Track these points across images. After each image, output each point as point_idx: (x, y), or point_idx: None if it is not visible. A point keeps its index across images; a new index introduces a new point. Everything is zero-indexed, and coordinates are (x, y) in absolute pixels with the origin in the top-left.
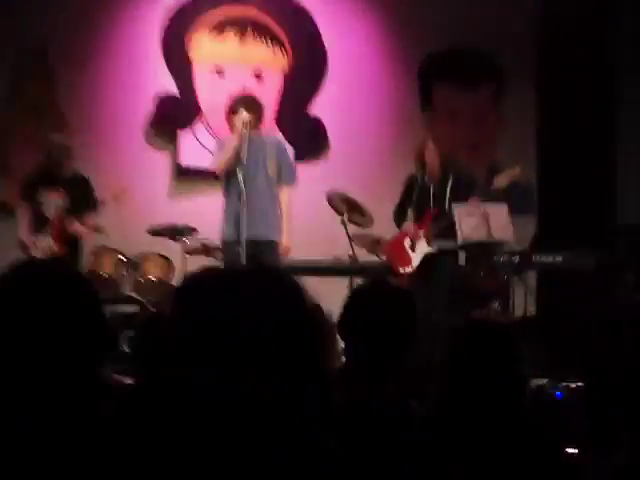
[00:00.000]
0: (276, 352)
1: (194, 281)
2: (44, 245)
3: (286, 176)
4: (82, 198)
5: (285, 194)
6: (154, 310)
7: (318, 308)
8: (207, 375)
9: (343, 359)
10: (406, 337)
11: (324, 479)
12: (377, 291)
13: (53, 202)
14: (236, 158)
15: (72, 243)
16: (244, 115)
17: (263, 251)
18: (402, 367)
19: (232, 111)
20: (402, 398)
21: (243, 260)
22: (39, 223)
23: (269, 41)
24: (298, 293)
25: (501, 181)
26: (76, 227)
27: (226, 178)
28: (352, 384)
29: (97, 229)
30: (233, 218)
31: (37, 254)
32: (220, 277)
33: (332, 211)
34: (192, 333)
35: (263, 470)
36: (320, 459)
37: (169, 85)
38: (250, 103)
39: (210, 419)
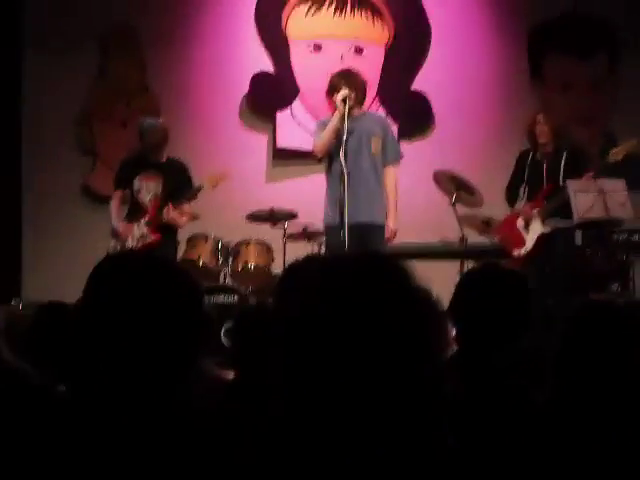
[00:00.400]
0: (386, 339)
1: (297, 269)
2: (138, 233)
3: (391, 155)
4: (179, 185)
5: (391, 174)
6: (253, 299)
7: (428, 293)
8: (308, 366)
9: (454, 347)
10: (520, 322)
11: (439, 472)
12: (489, 275)
13: (149, 188)
14: (337, 138)
15: (168, 232)
16: (345, 92)
17: (368, 235)
18: (517, 353)
19: (333, 88)
20: (518, 385)
21: (347, 245)
22: (134, 210)
23: (369, 13)
24: (407, 278)
25: (617, 154)
26: (173, 215)
27: (328, 159)
28: (465, 372)
29: (194, 216)
30: (336, 201)
31: (132, 243)
32: (324, 264)
33: (440, 191)
34: (293, 324)
35: (372, 464)
36: (434, 452)
37: (266, 64)
38: (352, 79)
39: (312, 409)
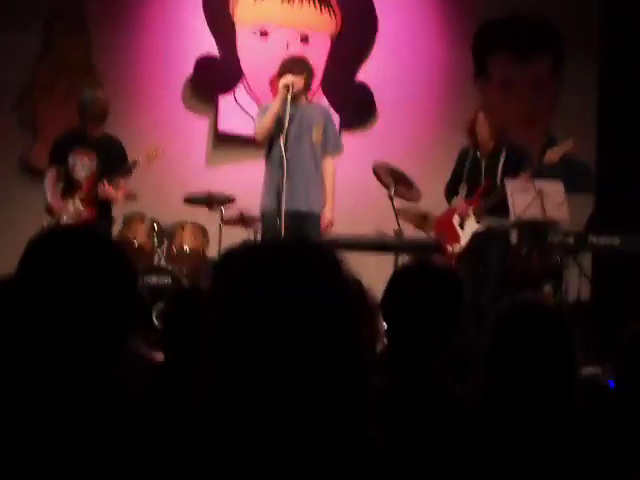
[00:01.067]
0: (314, 328)
1: (233, 255)
2: (73, 209)
3: (332, 145)
4: (114, 161)
5: (330, 164)
6: (187, 282)
7: (359, 284)
8: (237, 351)
9: (385, 341)
10: (452, 320)
11: (361, 466)
12: (422, 271)
13: (84, 164)
14: (278, 124)
15: (103, 208)
16: (289, 78)
17: (304, 224)
18: (447, 350)
19: (279, 74)
20: (445, 382)
21: (282, 232)
22: (68, 186)
23: (317, 2)
24: (338, 267)
25: (553, 155)
26: (107, 191)
27: (268, 145)
28: (394, 367)
29: (130, 195)
30: (274, 187)
31: (66, 219)
32: (258, 250)
33: (378, 183)
34: (226, 309)
35: (295, 457)
36: (356, 445)
37: (211, 46)
38: (297, 66)
39: (238, 394)
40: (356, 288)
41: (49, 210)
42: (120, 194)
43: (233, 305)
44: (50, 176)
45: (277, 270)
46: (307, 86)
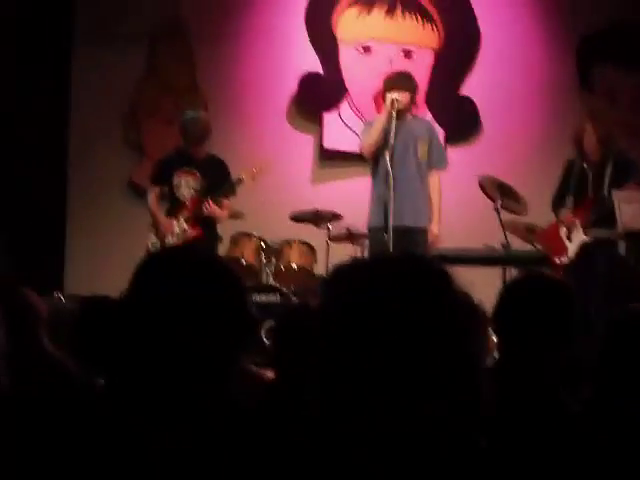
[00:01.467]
0: (427, 343)
1: (343, 271)
2: (179, 229)
3: (437, 160)
4: (218, 181)
5: (436, 179)
6: (296, 300)
7: (469, 297)
8: (350, 367)
9: (496, 355)
10: (564, 332)
11: (469, 472)
12: (534, 284)
13: (188, 184)
14: (384, 140)
15: (208, 227)
16: (393, 94)
17: (411, 239)
18: (559, 364)
19: (388, 88)
20: (558, 395)
21: (390, 248)
22: (173, 206)
23: (419, 17)
24: (448, 282)
25: None
26: (212, 210)
27: (374, 161)
28: (506, 381)
29: (235, 214)
30: (380, 203)
31: (172, 239)
32: (368, 266)
33: (485, 197)
34: (337, 325)
35: (405, 462)
36: (469, 455)
37: (314, 64)
38: (402, 82)
39: (349, 411)
40: (466, 301)
41: (155, 228)
42: (225, 212)
43: (344, 321)
44: (153, 195)
45: (387, 285)
46: (412, 101)
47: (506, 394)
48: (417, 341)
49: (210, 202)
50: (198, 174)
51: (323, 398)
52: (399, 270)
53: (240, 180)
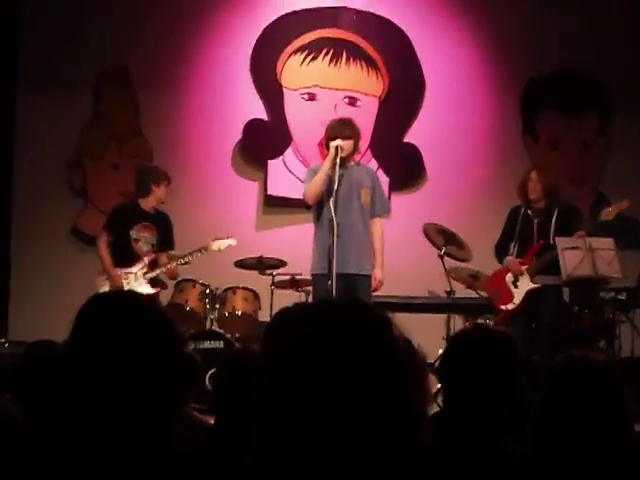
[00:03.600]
0: (365, 388)
1: (284, 317)
2: (137, 284)
3: (380, 207)
4: (167, 235)
5: (378, 226)
6: (238, 346)
7: (409, 342)
8: (290, 412)
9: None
10: (507, 382)
11: None
12: (477, 336)
13: (147, 240)
14: (328, 186)
15: (159, 281)
16: (337, 141)
17: (355, 285)
18: (502, 412)
19: (327, 137)
20: (500, 442)
21: (333, 294)
22: (127, 258)
23: (364, 65)
24: (387, 326)
25: (608, 214)
26: (172, 270)
27: (317, 207)
28: (449, 427)
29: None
30: (324, 250)
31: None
32: (308, 310)
33: (429, 244)
34: (277, 368)
35: None
36: None
37: (259, 111)
38: (345, 129)
39: (290, 457)
40: (406, 347)
41: (109, 279)
42: (177, 269)
43: (285, 364)
44: (102, 242)
45: (327, 330)
46: (355, 148)
47: (450, 443)
48: (355, 384)
49: (174, 265)
50: (155, 229)
51: (261, 441)
52: (339, 314)
53: (205, 248)
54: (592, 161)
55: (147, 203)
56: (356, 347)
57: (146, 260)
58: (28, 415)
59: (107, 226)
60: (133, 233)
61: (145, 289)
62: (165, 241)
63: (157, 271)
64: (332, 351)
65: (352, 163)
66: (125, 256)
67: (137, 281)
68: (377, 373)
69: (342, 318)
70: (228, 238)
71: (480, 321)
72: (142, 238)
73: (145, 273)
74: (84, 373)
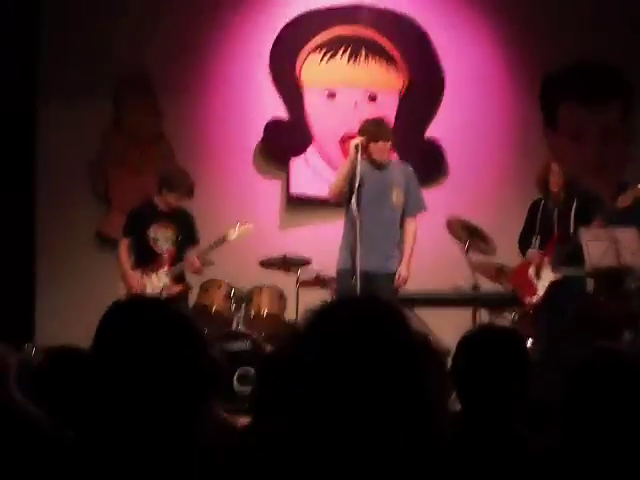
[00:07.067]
0: (383, 384)
1: (310, 317)
2: (161, 284)
3: (414, 205)
4: (189, 233)
5: (412, 225)
6: (266, 346)
7: (427, 339)
8: (316, 406)
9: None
10: (520, 381)
11: None
12: (486, 336)
13: (166, 238)
14: (350, 185)
15: (184, 280)
16: (356, 139)
17: (378, 282)
18: (519, 406)
19: (364, 135)
20: (522, 436)
21: (357, 291)
22: (147, 259)
23: (383, 61)
24: (403, 321)
25: (625, 199)
26: (197, 267)
27: (347, 206)
28: (468, 430)
29: (207, 262)
30: (348, 248)
31: (151, 292)
32: (326, 310)
33: (452, 238)
34: (305, 366)
35: None
36: None
37: (280, 111)
38: (381, 130)
39: (313, 456)
40: (423, 342)
41: (127, 285)
42: (202, 266)
43: (301, 364)
44: (123, 247)
45: (342, 327)
46: (390, 147)
47: (470, 439)
48: (372, 383)
49: (197, 258)
50: (174, 227)
51: (286, 439)
52: (355, 313)
53: (224, 239)
54: (614, 150)
55: (164, 201)
56: (372, 343)
57: (166, 257)
58: (52, 419)
59: (125, 230)
60: (151, 232)
61: (166, 285)
62: (188, 237)
63: (179, 267)
64: (348, 348)
65: (386, 161)
66: (146, 257)
67: (159, 280)
68: (394, 369)
69: (358, 315)
70: (245, 224)
71: (506, 314)
72: (161, 237)
73: (167, 271)
74: (109, 378)
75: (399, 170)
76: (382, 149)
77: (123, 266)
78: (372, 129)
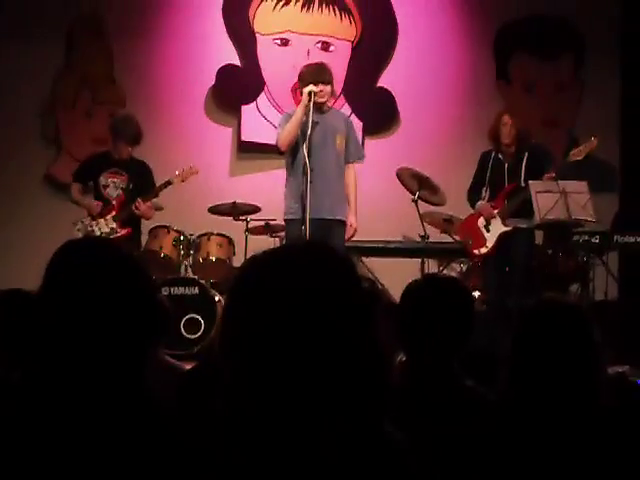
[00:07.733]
0: (327, 329)
1: (248, 263)
2: (108, 229)
3: (354, 153)
4: (143, 181)
5: (352, 172)
6: (214, 292)
7: (373, 284)
8: (262, 351)
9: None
10: (464, 328)
11: (387, 466)
12: (430, 286)
13: (116, 185)
14: (301, 132)
15: (134, 225)
16: (310, 87)
17: (328, 231)
18: (463, 352)
19: (303, 81)
20: (465, 383)
21: (306, 239)
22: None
23: (337, 10)
24: (349, 268)
25: (578, 153)
26: (144, 210)
27: (291, 153)
28: (413, 372)
29: (157, 207)
30: (297, 195)
31: (100, 234)
32: (268, 256)
33: (403, 188)
34: (246, 309)
35: (317, 452)
36: (383, 445)
37: (232, 57)
38: (319, 74)
39: (258, 400)
40: (369, 288)
41: (90, 213)
42: (152, 211)
43: (250, 310)
44: (75, 189)
45: (288, 273)
46: (331, 94)
47: (416, 386)
48: (319, 328)
49: (142, 202)
50: (125, 175)
51: (232, 384)
52: (301, 259)
53: (170, 182)
54: (566, 104)
55: (118, 151)
56: (318, 289)
57: (115, 203)
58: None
59: (75, 175)
60: (102, 180)
61: (113, 229)
62: (142, 187)
63: (126, 211)
64: (294, 294)
65: (327, 108)
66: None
67: (107, 224)
68: (340, 314)
69: (304, 261)
70: (190, 168)
71: (455, 265)
72: (111, 184)
73: (115, 215)
74: (55, 319)
75: (340, 117)
76: (323, 92)
77: (78, 200)
78: (312, 72)
